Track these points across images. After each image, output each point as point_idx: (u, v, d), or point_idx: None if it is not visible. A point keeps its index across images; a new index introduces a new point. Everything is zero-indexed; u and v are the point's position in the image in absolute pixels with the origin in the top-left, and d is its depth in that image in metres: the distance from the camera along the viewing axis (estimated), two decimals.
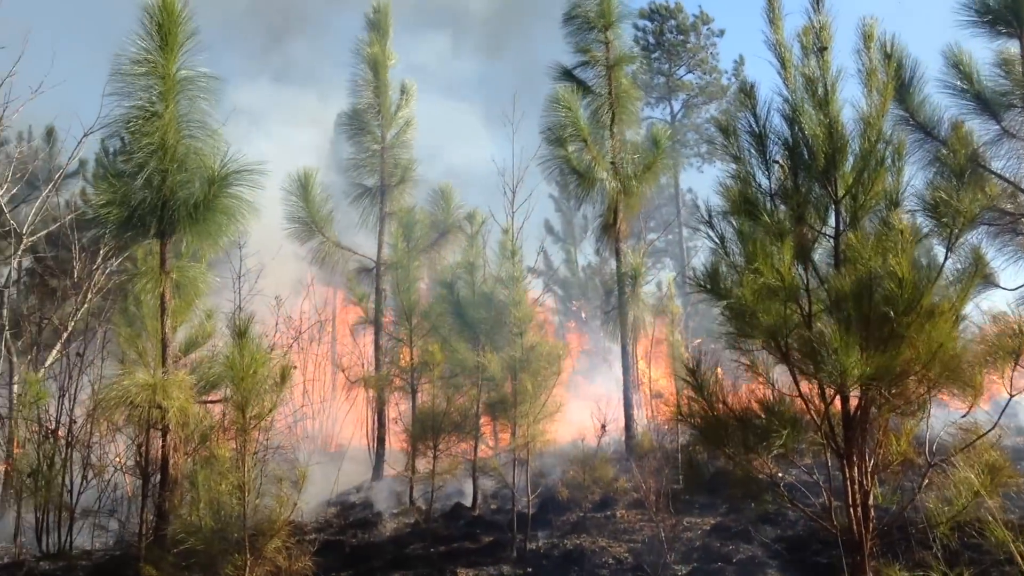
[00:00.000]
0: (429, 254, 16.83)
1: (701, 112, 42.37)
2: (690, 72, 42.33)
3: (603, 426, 14.19)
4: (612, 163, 17.75)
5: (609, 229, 18.51)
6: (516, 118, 16.31)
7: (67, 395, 13.06)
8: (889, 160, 5.15)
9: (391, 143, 18.53)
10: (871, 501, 5.49)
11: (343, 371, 16.94)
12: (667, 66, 41.50)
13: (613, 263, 18.51)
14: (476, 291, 12.68)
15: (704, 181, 47.55)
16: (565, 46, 18.54)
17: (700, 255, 43.83)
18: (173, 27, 8.58)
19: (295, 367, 9.78)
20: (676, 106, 42.30)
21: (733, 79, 41.85)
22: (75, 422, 13.00)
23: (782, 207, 5.25)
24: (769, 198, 5.27)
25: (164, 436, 9.17)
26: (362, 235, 19.31)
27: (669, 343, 15.68)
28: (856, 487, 5.39)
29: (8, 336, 14.04)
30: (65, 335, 13.98)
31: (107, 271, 14.79)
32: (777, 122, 5.23)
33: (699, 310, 32.77)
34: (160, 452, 9.37)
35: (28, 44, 15.00)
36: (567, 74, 18.46)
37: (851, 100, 5.26)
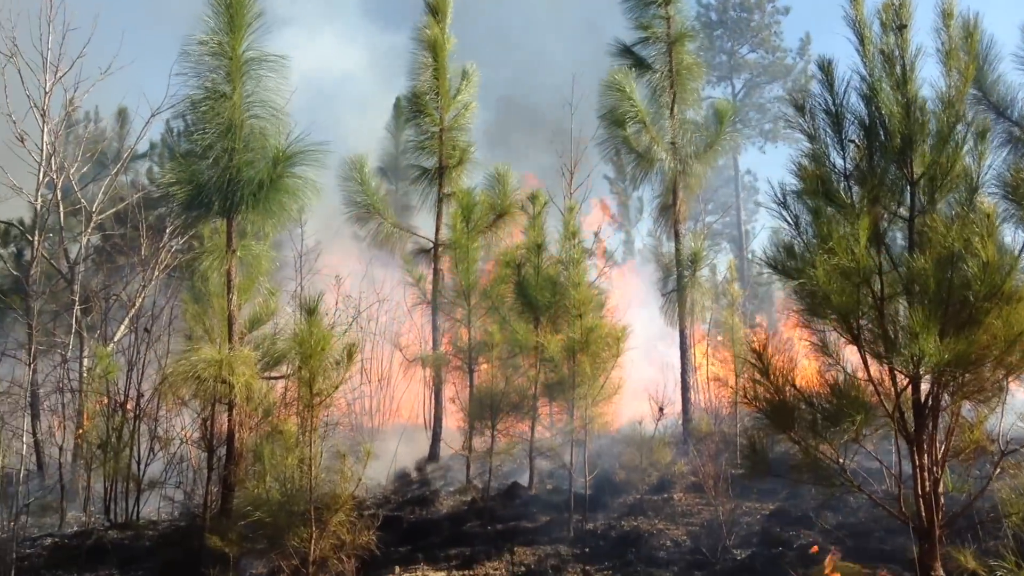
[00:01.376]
0: (487, 235, 16.85)
1: (764, 92, 41.65)
2: (753, 51, 41.59)
3: (661, 409, 14.12)
4: (672, 143, 17.57)
5: (668, 210, 18.36)
6: (575, 98, 16.26)
7: (135, 369, 13.41)
8: (971, 142, 5.01)
9: (449, 125, 18.56)
10: (941, 489, 5.39)
11: (400, 350, 17.08)
12: (730, 44, 40.83)
13: (668, 245, 18.37)
14: (539, 273, 12.67)
15: (765, 162, 46.84)
16: (625, 22, 18.34)
17: (759, 237, 43.30)
18: (240, 8, 8.69)
19: (358, 346, 9.90)
20: (738, 85, 41.63)
21: (798, 58, 41.07)
22: (143, 396, 13.36)
23: (856, 188, 5.15)
24: (844, 178, 5.17)
25: (230, 411, 9.35)
26: (420, 217, 19.46)
27: (728, 326, 15.52)
28: (926, 474, 5.29)
29: (79, 311, 14.43)
30: (132, 311, 14.32)
31: (173, 249, 15.11)
32: (853, 101, 5.12)
33: (758, 294, 32.39)
34: (226, 426, 9.56)
35: (97, 25, 15.26)
36: (626, 51, 18.25)
37: (929, 80, 5.13)
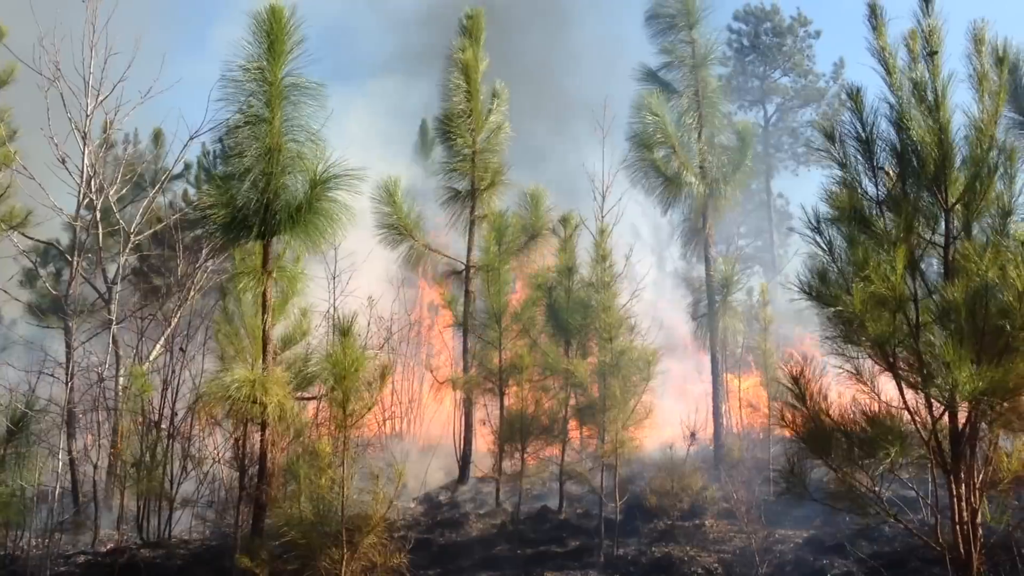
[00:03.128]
0: (519, 257, 16.88)
1: (796, 115, 41.46)
2: (785, 75, 41.46)
3: (693, 434, 14.02)
4: (700, 167, 17.58)
5: (697, 234, 18.33)
6: (606, 122, 16.31)
7: (169, 389, 13.56)
8: (1002, 168, 4.99)
9: (481, 147, 18.64)
10: (979, 519, 5.31)
11: (431, 372, 17.13)
12: (762, 69, 40.75)
13: (700, 268, 18.33)
14: (571, 296, 12.69)
15: (798, 185, 46.59)
16: (650, 47, 18.44)
17: (792, 262, 43.00)
18: (280, 34, 8.83)
19: (391, 367, 9.95)
20: (770, 110, 41.50)
21: (831, 82, 40.88)
22: (176, 415, 13.50)
23: (889, 215, 5.13)
24: (876, 205, 5.16)
25: (263, 430, 9.41)
26: (451, 238, 19.53)
27: (761, 351, 15.41)
28: (964, 504, 5.23)
29: (115, 330, 14.65)
30: (168, 331, 14.51)
31: (208, 270, 15.30)
32: (884, 127, 5.11)
33: (789, 317, 32.08)
34: (258, 446, 9.63)
35: (138, 49, 15.56)
36: (651, 75, 18.32)
37: (961, 105, 5.11)
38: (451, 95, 18.67)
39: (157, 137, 20.72)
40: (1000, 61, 5.30)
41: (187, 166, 21.19)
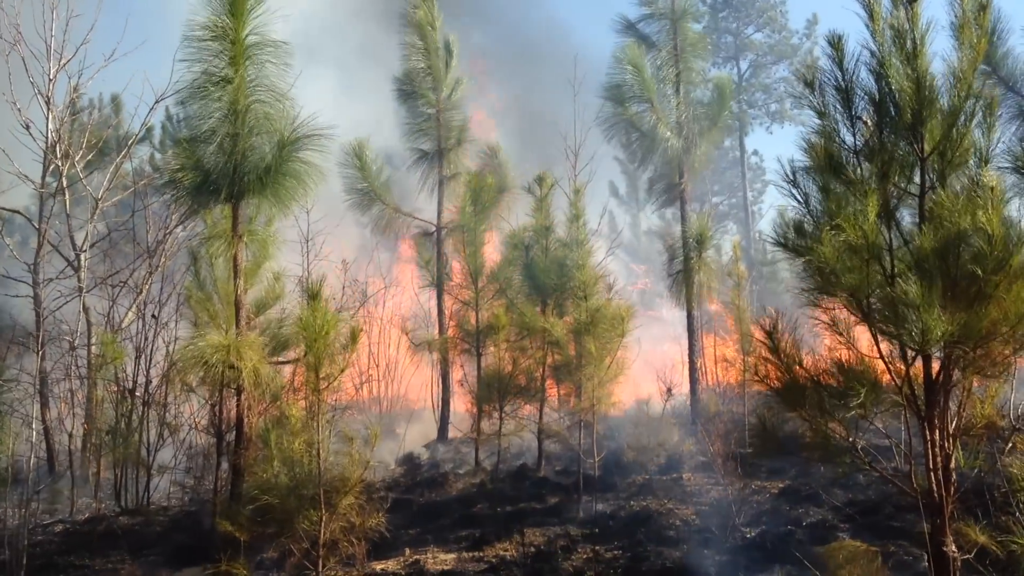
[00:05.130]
0: (491, 216, 16.82)
1: (770, 72, 41.34)
2: (759, 31, 41.24)
3: (669, 389, 14.14)
4: (677, 122, 17.52)
5: (673, 190, 18.33)
6: (577, 79, 16.18)
7: (143, 356, 13.44)
8: (980, 116, 4.96)
9: (445, 106, 18.50)
10: (952, 464, 5.37)
11: (407, 334, 17.11)
12: (735, 25, 40.51)
13: (677, 226, 18.35)
14: (547, 255, 12.65)
15: (772, 143, 46.65)
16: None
17: (766, 217, 43.18)
18: None
19: (363, 330, 9.89)
20: (744, 66, 41.33)
21: (804, 38, 40.76)
22: (151, 382, 13.40)
23: (865, 165, 5.10)
24: (853, 155, 5.12)
25: (238, 396, 9.35)
26: (421, 200, 19.42)
27: (735, 306, 15.49)
28: (937, 450, 5.28)
29: (85, 298, 14.46)
30: (139, 298, 14.34)
31: (178, 236, 15.10)
32: (863, 76, 5.05)
33: (763, 274, 32.30)
34: (235, 412, 9.58)
35: (101, 11, 15.20)
36: (630, 27, 18.18)
37: (940, 53, 5.06)
38: (409, 56, 18.50)
39: (115, 101, 20.36)
40: (982, 8, 5.24)
41: (149, 130, 20.84)
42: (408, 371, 19.98)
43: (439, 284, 17.40)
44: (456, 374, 16.24)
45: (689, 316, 17.82)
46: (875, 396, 5.25)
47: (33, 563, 9.46)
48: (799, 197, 5.06)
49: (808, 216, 5.03)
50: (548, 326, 12.07)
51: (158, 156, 23.76)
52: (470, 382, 14.12)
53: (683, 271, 17.10)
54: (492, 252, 14.82)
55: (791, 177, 5.08)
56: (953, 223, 4.62)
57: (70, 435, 13.61)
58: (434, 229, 18.11)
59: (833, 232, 4.69)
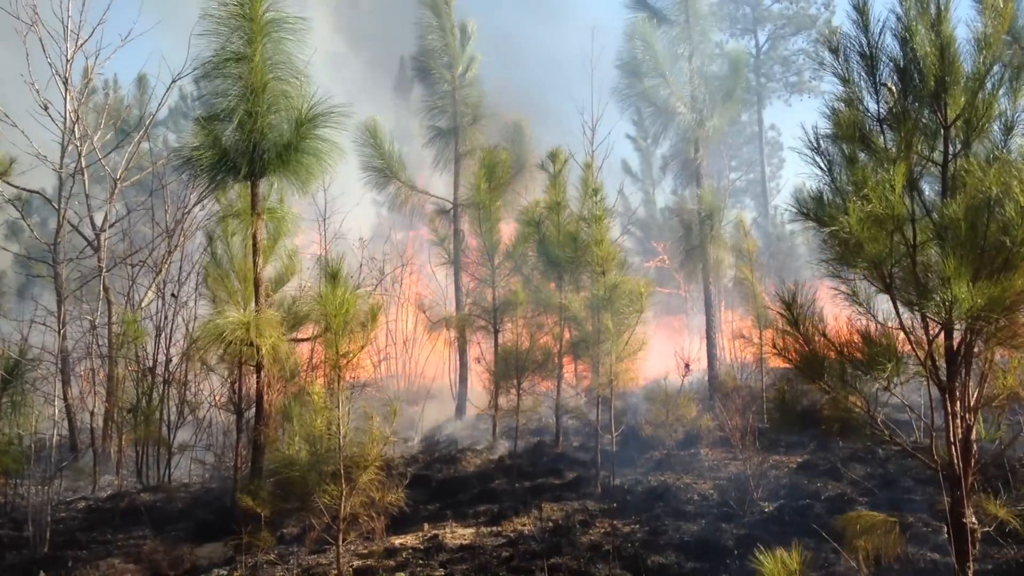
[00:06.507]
0: (507, 192, 16.79)
1: (788, 44, 40.81)
2: (777, 2, 40.66)
3: (687, 364, 14.11)
4: (691, 95, 17.41)
5: (688, 165, 18.25)
6: (595, 53, 16.08)
7: (163, 335, 13.55)
8: (1007, 83, 4.88)
9: (460, 83, 18.48)
10: (973, 436, 5.34)
11: (424, 312, 17.15)
12: None
13: (691, 203, 18.28)
14: (561, 230, 12.61)
15: (790, 116, 46.16)
16: None
17: (783, 193, 42.87)
18: None
19: (381, 306, 9.93)
20: (762, 38, 40.82)
21: (823, 8, 40.19)
22: (171, 361, 13.51)
23: (889, 133, 5.04)
24: (877, 123, 5.06)
25: (258, 372, 9.41)
26: (436, 177, 19.43)
27: (748, 281, 15.44)
28: (958, 421, 5.25)
29: (105, 278, 14.56)
30: (159, 276, 14.43)
31: (196, 215, 15.15)
32: (888, 42, 4.98)
33: (781, 250, 32.15)
34: (254, 388, 9.64)
35: None
36: (641, 2, 18.04)
37: (965, 19, 4.98)
38: (425, 34, 18.48)
39: (141, 81, 20.38)
40: None
41: (170, 110, 20.90)
42: (425, 348, 20.07)
43: (456, 261, 17.43)
44: (474, 351, 16.29)
45: (706, 290, 17.80)
46: (899, 368, 5.21)
47: (56, 539, 9.61)
48: (823, 165, 5.00)
49: (831, 185, 4.97)
50: (565, 303, 12.07)
51: (173, 137, 23.83)
52: (487, 359, 14.14)
53: (699, 246, 17.06)
54: (510, 229, 14.80)
55: (815, 144, 5.01)
56: (982, 191, 4.55)
57: (92, 413, 13.75)
58: (451, 207, 18.10)
59: (860, 203, 4.63)
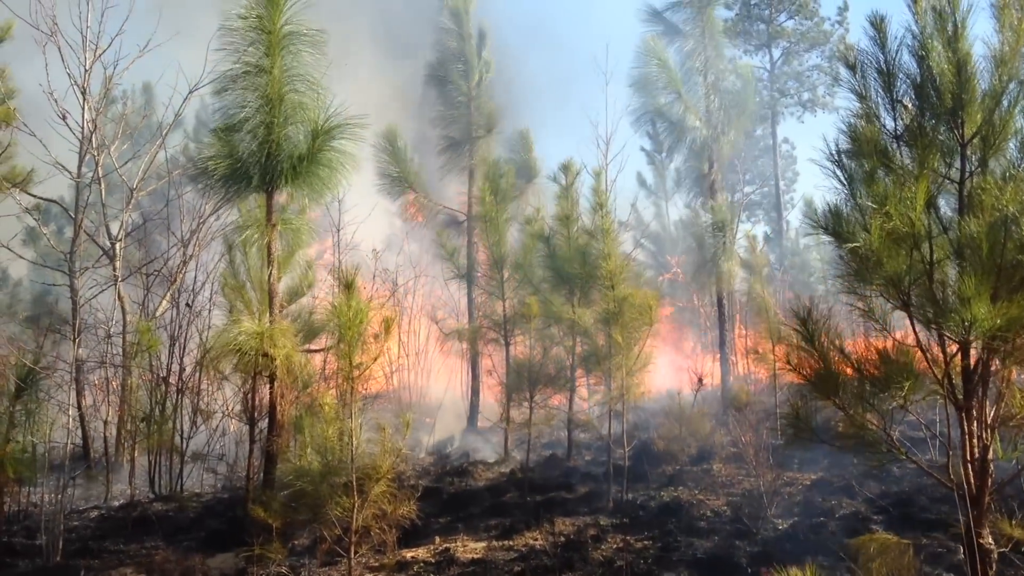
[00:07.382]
0: (516, 203, 16.77)
1: (802, 60, 40.72)
2: (791, 18, 40.59)
3: (700, 379, 14.06)
4: (706, 110, 17.43)
5: (703, 179, 18.24)
6: (608, 67, 16.10)
7: (177, 344, 13.59)
8: (1023, 101, 4.85)
9: (476, 94, 18.49)
10: (990, 455, 5.30)
11: (436, 323, 17.16)
12: (767, 12, 39.95)
13: (705, 216, 18.26)
14: (571, 244, 12.59)
15: (804, 132, 46.05)
16: None
17: (797, 208, 42.70)
18: None
19: (394, 318, 9.94)
20: (776, 54, 40.74)
21: (836, 25, 40.12)
22: (184, 370, 13.55)
23: (905, 149, 5.02)
24: (894, 139, 5.04)
25: (272, 382, 9.42)
26: (451, 188, 19.43)
27: (759, 296, 15.38)
28: (975, 440, 5.21)
29: (120, 287, 14.63)
30: (174, 286, 14.49)
31: (212, 225, 15.22)
32: (905, 59, 4.97)
33: (794, 263, 32.01)
34: (267, 399, 9.65)
35: (135, 2, 15.33)
36: (657, 16, 18.07)
37: (982, 36, 4.97)
38: (443, 43, 18.50)
39: (146, 90, 20.53)
40: None
41: (186, 120, 21.03)
42: (437, 361, 20.08)
43: (469, 273, 17.43)
44: (485, 363, 16.28)
45: (719, 304, 17.75)
46: (916, 385, 5.18)
47: (69, 547, 9.62)
48: (843, 179, 4.98)
49: (851, 200, 4.95)
50: (575, 317, 12.04)
51: (192, 146, 23.95)
52: (498, 372, 14.13)
53: (711, 260, 17.03)
54: (520, 239, 14.79)
55: (836, 157, 4.99)
56: (999, 210, 4.53)
57: (105, 422, 13.79)
58: (464, 218, 18.12)
59: (881, 219, 4.61)
